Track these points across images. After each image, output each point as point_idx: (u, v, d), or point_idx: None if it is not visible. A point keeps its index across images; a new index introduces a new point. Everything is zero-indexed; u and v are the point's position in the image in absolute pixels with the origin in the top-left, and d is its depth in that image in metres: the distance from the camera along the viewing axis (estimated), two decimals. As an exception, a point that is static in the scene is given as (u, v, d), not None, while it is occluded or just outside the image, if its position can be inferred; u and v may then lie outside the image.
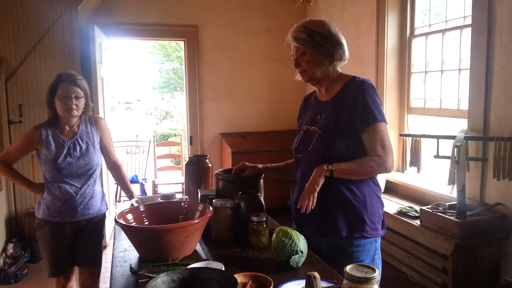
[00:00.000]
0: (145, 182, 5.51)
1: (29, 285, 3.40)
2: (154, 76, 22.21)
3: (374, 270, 1.17)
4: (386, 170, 1.74)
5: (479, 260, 2.62)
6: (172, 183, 5.58)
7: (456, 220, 2.57)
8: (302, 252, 1.58)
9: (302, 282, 1.42)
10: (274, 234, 1.63)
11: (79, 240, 2.40)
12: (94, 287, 2.49)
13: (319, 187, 1.68)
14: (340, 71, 1.86)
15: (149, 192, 5.49)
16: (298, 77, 1.92)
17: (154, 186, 5.33)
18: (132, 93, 27.58)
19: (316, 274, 1.30)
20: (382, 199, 1.87)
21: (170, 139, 11.48)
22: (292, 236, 1.59)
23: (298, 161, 1.91)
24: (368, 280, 1.14)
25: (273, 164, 2.13)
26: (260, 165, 2.08)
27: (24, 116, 3.99)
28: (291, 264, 1.56)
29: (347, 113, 1.74)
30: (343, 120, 1.75)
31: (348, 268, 1.19)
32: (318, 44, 1.75)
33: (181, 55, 19.10)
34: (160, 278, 1.20)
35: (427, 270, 2.86)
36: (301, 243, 1.60)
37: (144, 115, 21.37)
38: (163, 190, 5.15)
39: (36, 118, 3.87)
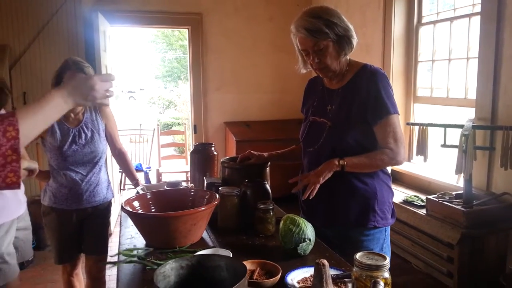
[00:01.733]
0: (150, 170, 5.52)
1: (35, 272, 3.42)
2: (157, 65, 22.17)
3: (384, 258, 1.16)
4: (398, 162, 1.71)
5: (485, 249, 2.61)
6: (176, 171, 5.58)
7: (463, 209, 2.56)
8: (309, 240, 1.58)
9: (310, 270, 1.42)
10: (282, 222, 1.62)
11: (85, 227, 2.41)
12: (100, 274, 2.50)
13: (324, 180, 1.65)
14: (349, 57, 1.79)
15: (153, 181, 5.50)
16: (302, 70, 1.87)
17: (158, 174, 5.33)
18: (135, 82, 27.55)
19: (325, 262, 1.29)
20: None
21: (173, 128, 11.47)
22: (300, 224, 1.58)
23: (307, 152, 1.89)
24: (378, 268, 1.13)
25: (278, 151, 2.12)
26: (265, 154, 2.07)
27: (28, 103, 3.98)
28: (298, 251, 1.56)
29: (359, 104, 1.70)
30: (355, 112, 1.70)
31: (358, 255, 1.18)
32: (339, 36, 1.65)
33: (184, 44, 19.06)
34: (169, 265, 1.19)
35: (432, 259, 2.86)
36: (309, 231, 1.59)
37: (147, 104, 21.38)
38: (167, 178, 5.16)
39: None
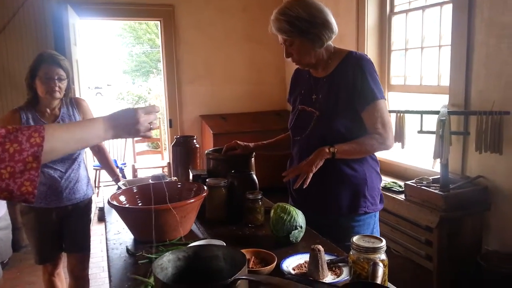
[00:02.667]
0: (125, 166, 5.42)
1: (11, 275, 3.31)
2: (125, 60, 21.71)
3: (380, 240, 1.18)
4: (387, 147, 1.74)
5: (462, 232, 2.70)
6: (152, 167, 5.51)
7: (441, 193, 2.63)
8: (301, 227, 1.59)
9: (304, 256, 1.43)
10: (272, 211, 1.63)
11: (66, 225, 2.35)
12: (83, 272, 2.45)
13: (316, 169, 1.67)
14: (333, 45, 1.80)
15: (129, 177, 5.41)
16: (290, 60, 1.88)
17: (134, 170, 5.25)
18: (101, 78, 26.89)
19: (320, 247, 1.31)
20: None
21: (145, 124, 11.29)
22: (291, 212, 1.59)
23: (296, 141, 1.89)
24: (376, 250, 1.15)
25: (264, 142, 2.12)
26: (251, 144, 2.06)
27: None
28: (290, 239, 1.57)
29: (345, 91, 1.71)
30: (342, 100, 1.72)
31: (355, 238, 1.20)
32: (304, 32, 1.67)
33: (152, 37, 18.73)
34: (166, 257, 1.17)
35: (411, 243, 2.93)
36: (300, 218, 1.60)
37: (115, 100, 20.92)
38: (143, 174, 5.08)
39: (9, 102, 3.73)
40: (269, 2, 4.71)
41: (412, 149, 3.58)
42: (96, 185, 5.14)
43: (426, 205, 2.70)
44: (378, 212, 1.85)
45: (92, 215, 2.56)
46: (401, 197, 2.95)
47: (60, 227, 2.34)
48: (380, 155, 3.71)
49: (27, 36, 3.98)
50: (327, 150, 1.67)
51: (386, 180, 3.34)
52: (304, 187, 1.67)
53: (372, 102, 1.69)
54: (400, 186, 3.10)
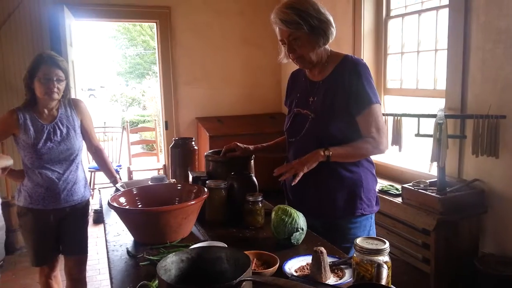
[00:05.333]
0: (120, 169, 5.40)
1: (6, 277, 3.28)
2: (119, 62, 21.63)
3: (384, 242, 1.19)
4: (381, 151, 1.74)
5: (459, 235, 2.71)
6: (148, 169, 5.48)
7: (438, 196, 2.64)
8: (302, 230, 1.59)
9: (306, 258, 1.44)
10: (273, 213, 1.62)
11: (64, 227, 2.33)
12: (81, 275, 2.43)
13: (308, 170, 1.66)
14: (329, 49, 1.82)
15: (124, 179, 5.38)
16: (284, 60, 1.86)
17: (129, 173, 5.22)
18: (95, 80, 26.76)
19: (323, 249, 1.31)
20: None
21: (139, 126, 11.24)
22: (292, 214, 1.59)
23: (291, 143, 1.90)
24: (379, 252, 1.15)
25: (263, 144, 2.12)
26: (251, 146, 2.06)
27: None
28: (292, 241, 1.57)
29: (341, 96, 1.72)
30: (338, 103, 1.72)
31: (358, 240, 1.20)
32: (313, 27, 1.67)
33: (146, 39, 18.68)
34: (169, 258, 1.17)
35: (407, 246, 2.94)
36: (301, 220, 1.60)
37: (109, 102, 20.82)
38: (138, 176, 5.06)
39: (5, 104, 3.70)
40: (265, 6, 4.74)
41: (409, 152, 3.60)
42: (92, 187, 5.11)
43: (423, 208, 2.72)
44: (374, 214, 1.86)
45: (89, 217, 2.54)
46: (398, 200, 2.96)
47: (58, 229, 2.32)
48: (377, 158, 3.74)
49: (22, 37, 3.95)
50: (322, 153, 1.66)
51: (383, 183, 3.36)
52: (293, 184, 1.66)
53: (368, 106, 1.70)
54: (397, 189, 3.11)
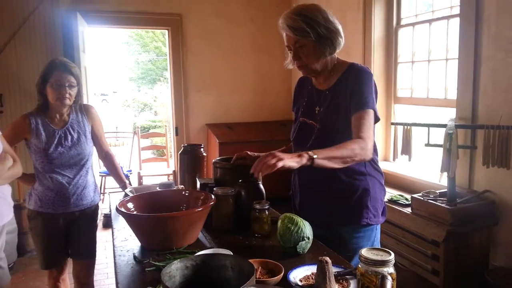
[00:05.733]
0: (130, 174, 5.44)
1: (16, 279, 3.31)
2: (131, 67, 21.83)
3: (389, 253, 1.18)
4: (366, 155, 1.64)
5: (469, 246, 2.68)
6: (158, 174, 5.51)
7: (448, 207, 2.62)
8: (308, 239, 1.59)
9: (311, 268, 1.43)
10: (280, 221, 1.62)
11: (73, 231, 2.36)
12: (89, 279, 2.45)
13: (283, 167, 1.50)
14: (336, 57, 1.81)
15: (134, 184, 5.41)
16: (290, 66, 1.85)
17: (140, 178, 5.26)
18: (107, 85, 27.03)
19: (328, 259, 1.30)
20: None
21: (150, 131, 11.33)
22: (298, 223, 1.59)
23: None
24: (384, 263, 1.15)
25: None
26: (262, 155, 2.06)
27: (5, 106, 3.87)
28: (298, 250, 1.56)
29: (345, 104, 1.71)
30: (342, 113, 1.71)
31: (363, 251, 1.19)
32: (320, 36, 1.66)
33: (158, 45, 18.85)
34: (174, 265, 1.18)
35: (417, 257, 2.91)
36: (307, 229, 1.60)
37: (121, 107, 21.01)
38: (148, 181, 5.09)
39: (18, 108, 3.77)
40: (275, 13, 4.75)
41: (419, 162, 3.57)
42: (102, 192, 5.15)
43: (432, 219, 2.69)
44: (379, 225, 1.84)
45: (98, 222, 2.56)
46: (408, 210, 2.94)
47: (67, 233, 2.35)
48: (386, 167, 3.72)
49: (36, 43, 4.02)
50: (306, 156, 1.52)
51: (392, 193, 3.33)
52: (255, 176, 1.56)
53: (362, 109, 1.67)
54: (406, 199, 3.09)
